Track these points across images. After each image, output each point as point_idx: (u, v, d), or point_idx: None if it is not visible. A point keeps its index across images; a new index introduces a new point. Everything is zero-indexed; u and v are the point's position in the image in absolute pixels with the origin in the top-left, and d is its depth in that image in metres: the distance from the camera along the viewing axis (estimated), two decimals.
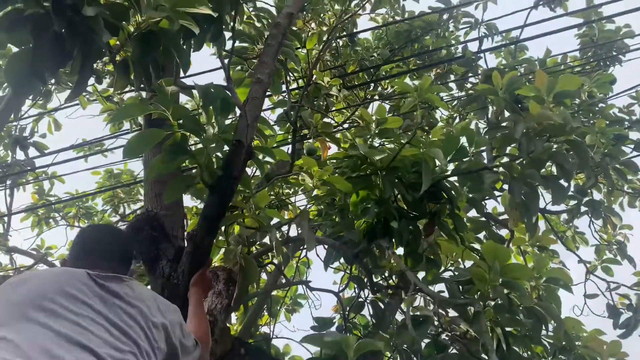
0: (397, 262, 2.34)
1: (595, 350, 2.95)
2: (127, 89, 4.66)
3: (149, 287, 3.24)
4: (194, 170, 2.49)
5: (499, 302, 1.99)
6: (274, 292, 4.72)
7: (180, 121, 2.16)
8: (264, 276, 4.38)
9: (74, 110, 5.42)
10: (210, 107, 2.31)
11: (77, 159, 5.73)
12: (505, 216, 3.85)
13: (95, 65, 1.95)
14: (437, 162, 2.35)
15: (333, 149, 4.61)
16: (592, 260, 4.67)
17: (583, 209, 4.26)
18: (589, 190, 4.09)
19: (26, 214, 5.79)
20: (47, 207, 5.94)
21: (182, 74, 2.67)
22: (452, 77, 4.90)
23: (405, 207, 2.65)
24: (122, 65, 1.90)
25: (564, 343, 2.73)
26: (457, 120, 5.47)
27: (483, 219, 3.51)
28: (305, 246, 3.87)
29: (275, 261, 3.64)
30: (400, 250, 3.04)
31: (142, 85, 2.06)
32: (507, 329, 2.07)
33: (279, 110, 4.45)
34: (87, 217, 6.13)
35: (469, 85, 5.00)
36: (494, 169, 2.38)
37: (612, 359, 3.04)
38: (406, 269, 2.13)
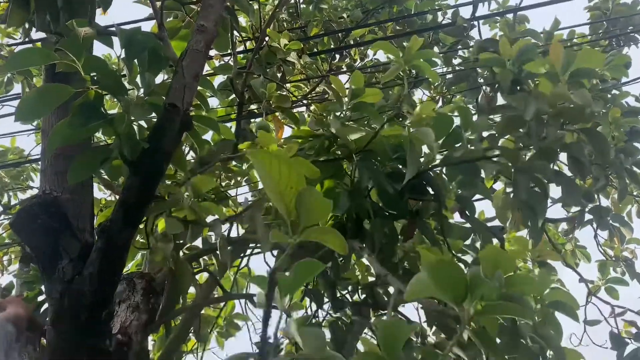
0: (372, 264, 2.28)
1: None
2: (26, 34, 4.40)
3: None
4: (110, 143, 2.35)
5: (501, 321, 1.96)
6: (203, 311, 4.60)
7: (95, 76, 2.03)
8: (191, 290, 4.26)
9: None
10: (136, 60, 2.18)
11: None
12: (495, 222, 3.87)
13: None
14: (425, 148, 2.31)
15: (287, 132, 4.53)
16: (595, 280, 4.79)
17: (587, 216, 4.32)
18: (596, 195, 4.14)
19: None
20: None
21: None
22: (438, 50, 4.92)
23: (381, 204, 2.60)
24: None
25: None
26: (440, 104, 5.50)
27: (468, 225, 3.50)
28: (249, 252, 3.78)
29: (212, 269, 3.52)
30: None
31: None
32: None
33: (220, 78, 4.32)
34: None
35: (456, 61, 5.02)
36: (494, 159, 2.35)
37: None
38: (385, 272, 2.07)
